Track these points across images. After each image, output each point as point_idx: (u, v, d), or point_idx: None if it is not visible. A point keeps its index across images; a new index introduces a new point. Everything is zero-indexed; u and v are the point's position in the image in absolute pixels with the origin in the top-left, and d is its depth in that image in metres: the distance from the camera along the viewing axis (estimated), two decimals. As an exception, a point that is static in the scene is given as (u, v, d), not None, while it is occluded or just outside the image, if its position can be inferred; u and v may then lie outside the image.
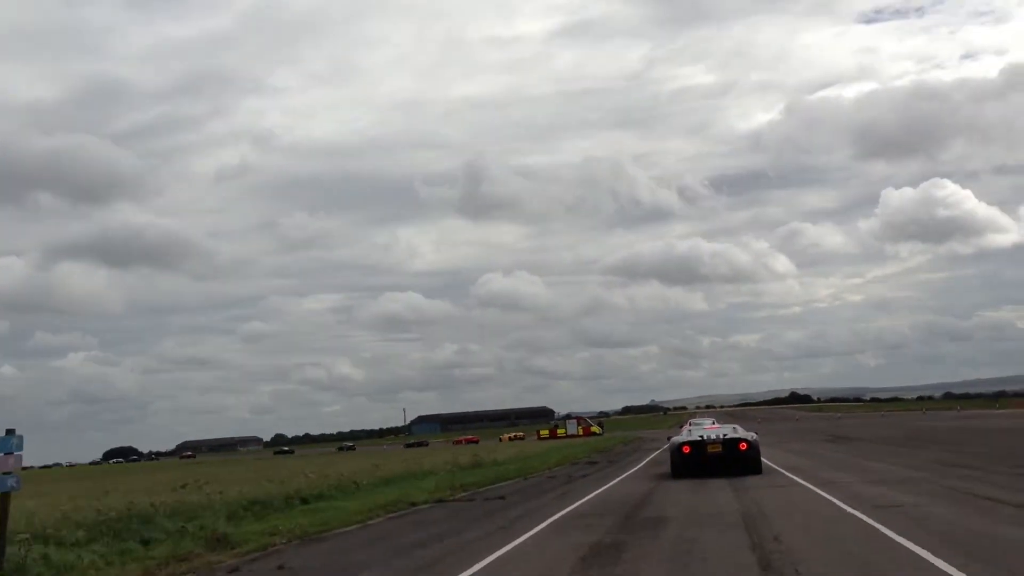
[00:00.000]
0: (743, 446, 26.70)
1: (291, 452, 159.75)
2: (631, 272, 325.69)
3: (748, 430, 30.12)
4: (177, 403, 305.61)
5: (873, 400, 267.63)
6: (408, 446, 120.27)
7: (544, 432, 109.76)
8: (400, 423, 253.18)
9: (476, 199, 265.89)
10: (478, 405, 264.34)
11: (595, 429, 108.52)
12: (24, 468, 13.90)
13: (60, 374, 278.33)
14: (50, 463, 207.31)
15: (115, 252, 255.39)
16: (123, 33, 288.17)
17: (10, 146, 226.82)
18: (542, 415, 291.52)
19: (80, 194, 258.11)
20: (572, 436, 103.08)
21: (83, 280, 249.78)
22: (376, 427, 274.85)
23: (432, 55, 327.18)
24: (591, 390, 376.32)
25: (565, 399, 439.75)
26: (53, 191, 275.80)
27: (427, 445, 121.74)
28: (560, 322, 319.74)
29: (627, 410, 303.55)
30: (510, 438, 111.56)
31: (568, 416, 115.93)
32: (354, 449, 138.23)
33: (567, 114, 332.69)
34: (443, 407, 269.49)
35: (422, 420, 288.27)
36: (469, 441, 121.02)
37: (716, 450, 26.57)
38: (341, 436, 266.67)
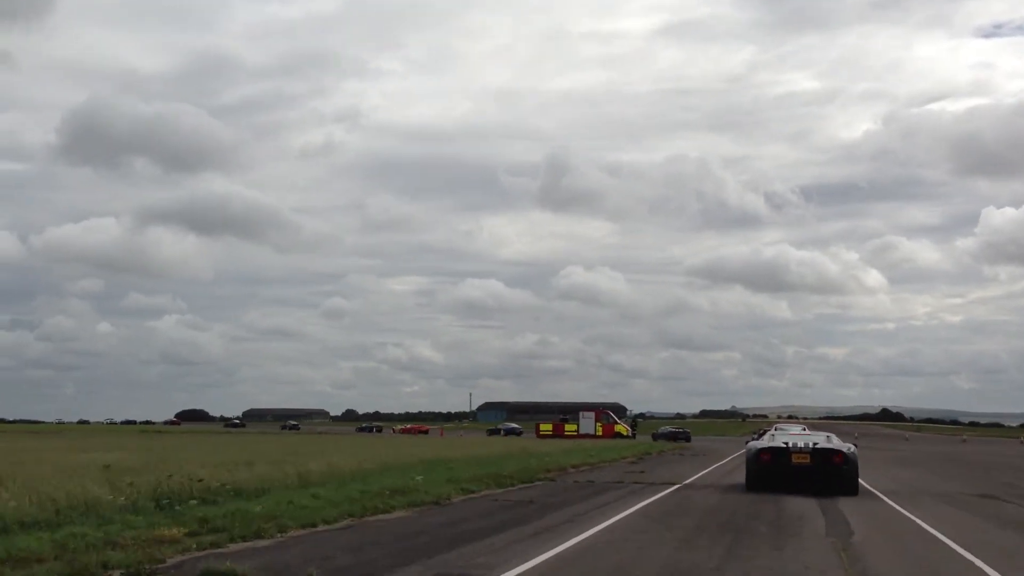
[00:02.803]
0: (838, 459, 20.68)
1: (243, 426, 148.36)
2: (715, 275, 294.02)
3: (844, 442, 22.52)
4: (259, 372, 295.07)
5: (972, 424, 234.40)
6: (360, 430, 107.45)
7: (546, 428, 77.38)
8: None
9: (563, 192, 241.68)
10: (554, 397, 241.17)
11: (621, 429, 75.51)
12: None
13: (151, 334, 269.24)
14: (123, 420, 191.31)
15: (206, 220, 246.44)
16: (233, 10, 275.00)
17: (112, 111, 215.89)
18: (615, 411, 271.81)
19: (174, 162, 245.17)
20: (587, 436, 70.75)
21: (174, 245, 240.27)
22: (449, 410, 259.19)
23: (531, 47, 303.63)
24: (669, 391, 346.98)
25: (642, 398, 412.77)
26: (148, 157, 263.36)
27: (380, 431, 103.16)
28: (640, 320, 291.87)
29: (705, 414, 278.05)
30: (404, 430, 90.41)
31: (588, 408, 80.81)
32: (298, 429, 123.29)
33: (664, 113, 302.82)
34: (519, 396, 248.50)
35: (489, 407, 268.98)
36: (419, 431, 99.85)
37: (803, 461, 20.76)
38: (408, 416, 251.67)
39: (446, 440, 55.75)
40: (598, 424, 75.01)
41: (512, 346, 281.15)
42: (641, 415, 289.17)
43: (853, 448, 22.01)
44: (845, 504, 18.89)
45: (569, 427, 75.19)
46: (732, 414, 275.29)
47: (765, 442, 22.73)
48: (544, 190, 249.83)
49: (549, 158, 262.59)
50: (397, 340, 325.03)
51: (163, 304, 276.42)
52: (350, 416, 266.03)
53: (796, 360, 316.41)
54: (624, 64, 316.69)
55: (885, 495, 21.37)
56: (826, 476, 20.83)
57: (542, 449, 40.61)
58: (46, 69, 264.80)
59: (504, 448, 39.53)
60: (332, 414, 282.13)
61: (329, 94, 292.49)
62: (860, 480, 22.42)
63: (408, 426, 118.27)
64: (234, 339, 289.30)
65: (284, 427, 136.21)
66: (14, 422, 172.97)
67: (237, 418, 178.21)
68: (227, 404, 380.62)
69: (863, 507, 18.51)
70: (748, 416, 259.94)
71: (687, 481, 25.09)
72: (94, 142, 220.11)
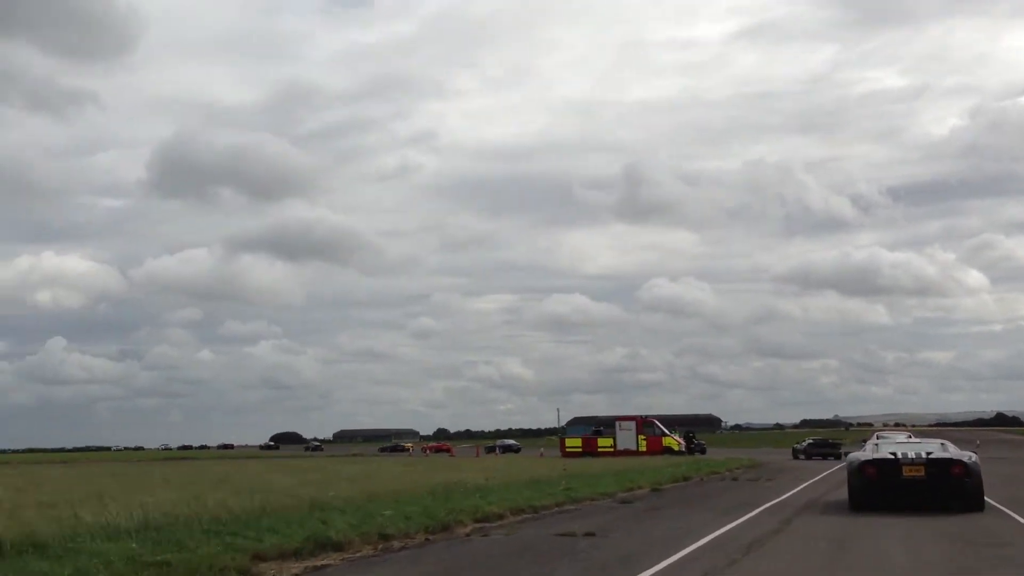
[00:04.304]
0: (957, 470, 17.78)
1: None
2: (805, 281, 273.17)
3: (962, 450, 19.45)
4: (352, 393, 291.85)
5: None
6: (382, 450, 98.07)
7: (573, 444, 61.05)
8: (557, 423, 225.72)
9: (644, 204, 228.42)
10: (647, 410, 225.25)
11: (671, 443, 57.86)
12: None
13: (249, 360, 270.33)
14: (180, 446, 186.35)
15: (292, 247, 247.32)
16: (315, 39, 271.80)
17: (198, 144, 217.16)
18: (708, 423, 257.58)
19: (259, 191, 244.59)
20: (626, 452, 54.38)
21: (264, 272, 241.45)
22: (540, 426, 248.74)
23: (608, 58, 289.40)
24: (766, 401, 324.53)
25: (739, 409, 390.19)
26: (234, 187, 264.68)
27: (405, 451, 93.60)
28: (730, 330, 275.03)
29: (805, 423, 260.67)
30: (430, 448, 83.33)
31: (630, 418, 60.97)
32: (322, 449, 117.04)
33: (744, 118, 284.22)
34: (612, 410, 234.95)
35: (578, 421, 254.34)
36: (439, 450, 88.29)
37: (916, 473, 17.86)
38: (498, 434, 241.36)
39: (429, 463, 40.70)
40: (640, 437, 58.51)
41: (602, 360, 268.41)
42: (737, 426, 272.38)
43: (974, 457, 18.70)
44: None
45: (603, 442, 58.58)
46: (835, 423, 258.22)
47: (868, 453, 19.55)
48: (625, 202, 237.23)
49: (629, 169, 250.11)
50: (487, 358, 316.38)
51: (259, 330, 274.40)
52: (442, 435, 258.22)
53: (898, 366, 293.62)
54: (702, 70, 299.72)
55: None
56: (944, 491, 17.76)
57: (500, 478, 25.32)
58: (133, 106, 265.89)
59: (448, 477, 24.15)
60: (423, 433, 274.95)
61: (409, 116, 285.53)
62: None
63: (433, 444, 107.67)
64: (327, 362, 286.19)
65: (307, 448, 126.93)
66: (119, 450, 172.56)
67: (272, 442, 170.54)
68: (322, 426, 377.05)
69: None
70: (852, 425, 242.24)
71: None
72: (183, 175, 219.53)
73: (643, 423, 58.72)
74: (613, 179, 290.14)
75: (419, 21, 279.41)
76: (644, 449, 55.61)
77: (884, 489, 18.13)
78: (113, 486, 21.30)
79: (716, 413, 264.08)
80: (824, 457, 55.43)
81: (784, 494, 23.61)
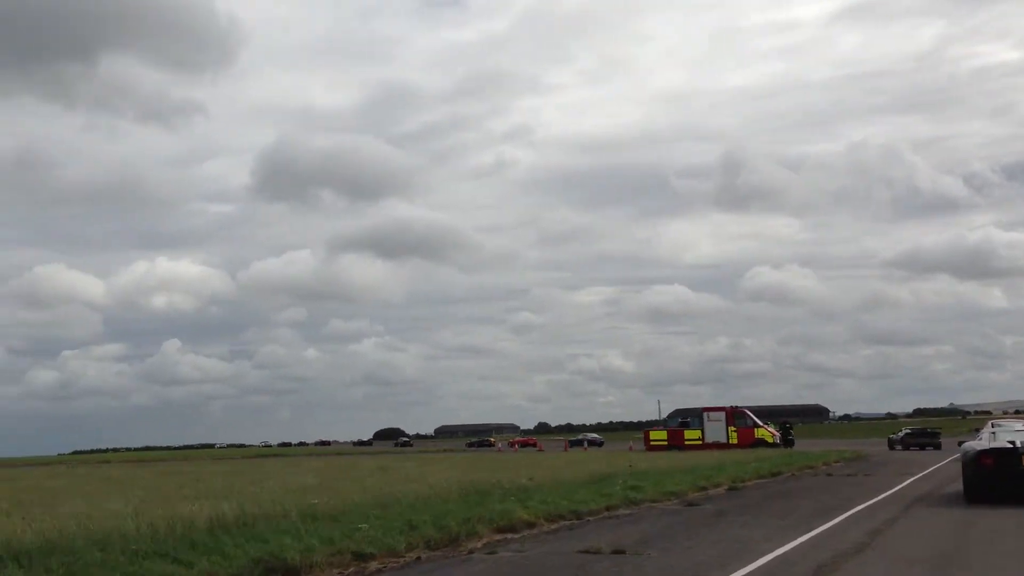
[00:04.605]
0: None
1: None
2: (915, 265, 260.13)
3: None
4: (454, 388, 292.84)
5: None
6: (470, 445, 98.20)
7: (658, 436, 57.51)
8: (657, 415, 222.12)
9: (743, 191, 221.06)
10: (752, 401, 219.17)
11: (764, 434, 53.53)
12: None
13: (353, 358, 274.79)
14: (280, 443, 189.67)
15: (392, 245, 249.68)
16: (410, 40, 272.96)
17: (299, 149, 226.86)
18: (815, 413, 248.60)
19: (358, 191, 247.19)
20: (715, 445, 50.50)
21: (365, 271, 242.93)
22: (641, 419, 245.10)
23: (703, 45, 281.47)
24: (877, 390, 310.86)
25: (848, 398, 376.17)
26: (334, 188, 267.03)
27: (492, 445, 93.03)
28: (837, 317, 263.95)
29: (919, 412, 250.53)
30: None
31: (712, 408, 56.53)
32: (411, 445, 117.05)
33: (847, 100, 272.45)
34: (716, 401, 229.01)
35: (679, 413, 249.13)
36: (526, 444, 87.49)
37: None
38: (599, 427, 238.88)
39: (489, 460, 38.15)
40: (730, 428, 54.15)
41: (704, 351, 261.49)
42: (847, 416, 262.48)
43: None
44: None
45: (690, 434, 54.97)
46: (951, 412, 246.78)
47: (984, 442, 18.38)
48: (724, 190, 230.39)
49: (727, 157, 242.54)
50: (587, 351, 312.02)
51: (361, 328, 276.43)
52: (542, 429, 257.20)
53: (1017, 351, 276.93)
54: (802, 53, 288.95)
55: None
56: None
57: (558, 476, 22.63)
58: (237, 114, 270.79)
59: (496, 477, 21.55)
60: (524, 427, 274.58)
61: (504, 112, 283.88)
62: None
63: (520, 438, 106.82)
64: (429, 358, 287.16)
65: (396, 444, 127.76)
66: (222, 447, 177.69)
67: (366, 438, 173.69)
68: (424, 422, 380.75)
69: None
70: (969, 413, 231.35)
71: None
72: (285, 179, 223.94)
73: (733, 413, 54.70)
74: (711, 167, 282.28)
75: (512, 17, 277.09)
76: (735, 441, 51.76)
77: (1002, 480, 17.21)
78: (103, 490, 19.35)
79: (824, 403, 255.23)
80: (922, 447, 51.65)
81: (882, 493, 20.31)
